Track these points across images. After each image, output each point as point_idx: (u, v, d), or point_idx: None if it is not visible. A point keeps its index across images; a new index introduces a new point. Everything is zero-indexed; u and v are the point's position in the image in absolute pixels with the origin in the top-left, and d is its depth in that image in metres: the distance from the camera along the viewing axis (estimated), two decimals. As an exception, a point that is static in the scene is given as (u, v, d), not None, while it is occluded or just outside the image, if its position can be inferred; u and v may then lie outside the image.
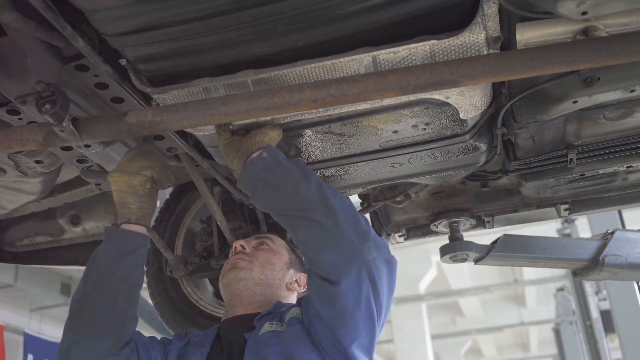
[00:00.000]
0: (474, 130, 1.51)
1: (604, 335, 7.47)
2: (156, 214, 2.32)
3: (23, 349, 7.09)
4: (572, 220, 7.87)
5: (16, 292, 7.19)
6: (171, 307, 2.22)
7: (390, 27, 1.18)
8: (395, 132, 1.48)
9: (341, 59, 1.22)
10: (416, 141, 1.53)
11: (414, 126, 1.46)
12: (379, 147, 1.55)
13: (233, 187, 1.86)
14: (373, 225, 2.07)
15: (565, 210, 2.03)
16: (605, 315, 7.27)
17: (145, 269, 1.54)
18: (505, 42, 1.22)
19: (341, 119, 1.43)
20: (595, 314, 7.58)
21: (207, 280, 2.30)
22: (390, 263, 1.37)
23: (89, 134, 1.28)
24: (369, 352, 1.36)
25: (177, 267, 2.09)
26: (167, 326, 2.24)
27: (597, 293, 7.73)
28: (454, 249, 2.06)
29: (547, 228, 8.44)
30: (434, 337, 11.70)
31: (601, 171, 1.80)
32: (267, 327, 1.43)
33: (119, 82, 1.31)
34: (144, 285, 2.31)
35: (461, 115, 1.41)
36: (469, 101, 1.37)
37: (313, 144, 1.52)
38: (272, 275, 1.61)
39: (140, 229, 1.51)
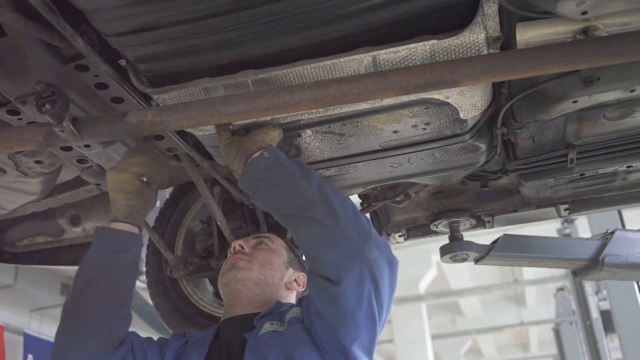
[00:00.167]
0: (474, 130, 1.51)
1: (604, 335, 7.47)
2: (156, 214, 2.32)
3: (23, 349, 7.08)
4: (572, 220, 7.87)
5: (16, 292, 7.18)
6: (171, 307, 2.22)
7: (390, 27, 1.18)
8: (395, 132, 1.48)
9: (341, 59, 1.22)
10: (416, 141, 1.53)
11: (414, 126, 1.46)
12: (379, 147, 1.55)
13: (233, 187, 1.86)
14: (373, 225, 2.07)
15: (565, 210, 2.03)
16: (605, 315, 7.27)
17: (139, 268, 1.51)
18: (505, 42, 1.22)
19: (341, 119, 1.43)
20: (595, 314, 7.58)
21: (207, 280, 2.30)
22: (392, 262, 1.37)
23: (89, 134, 1.28)
24: (369, 351, 1.36)
25: (177, 267, 2.09)
26: (167, 326, 2.24)
27: (597, 293, 7.73)
28: (454, 249, 2.06)
29: (547, 228, 8.45)
30: (434, 337, 11.71)
31: (601, 171, 1.80)
32: (267, 327, 1.43)
33: (119, 82, 1.31)
34: (144, 285, 2.32)
35: (461, 115, 1.41)
36: (469, 101, 1.37)
37: (313, 143, 1.52)
38: (272, 274, 1.61)
39: (129, 227, 1.48)
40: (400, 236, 2.22)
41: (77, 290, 1.43)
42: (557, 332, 10.03)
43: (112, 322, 1.42)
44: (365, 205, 2.05)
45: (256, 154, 1.39)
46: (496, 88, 1.45)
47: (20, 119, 1.49)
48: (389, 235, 2.22)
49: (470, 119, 1.45)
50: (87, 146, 1.57)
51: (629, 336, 5.63)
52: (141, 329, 4.71)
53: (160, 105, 1.33)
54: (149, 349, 1.49)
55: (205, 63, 1.27)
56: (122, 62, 1.25)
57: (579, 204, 2.04)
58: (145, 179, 1.51)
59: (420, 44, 1.18)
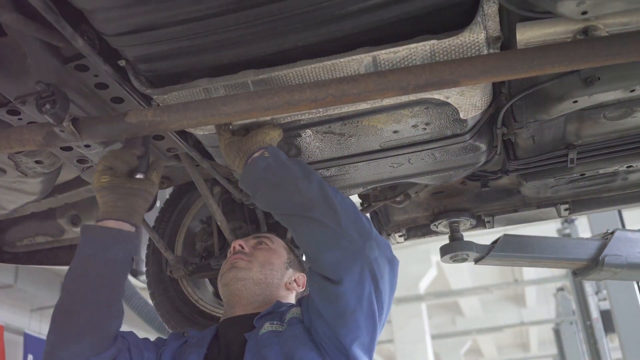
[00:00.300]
0: (474, 130, 1.51)
1: (604, 335, 7.48)
2: (156, 214, 2.32)
3: (23, 349, 7.09)
4: (572, 220, 7.88)
5: (16, 292, 7.18)
6: (171, 307, 2.21)
7: (390, 26, 1.18)
8: (395, 132, 1.48)
9: (341, 59, 1.21)
10: (416, 141, 1.53)
11: (414, 126, 1.46)
12: (379, 147, 1.55)
13: (233, 187, 1.86)
14: (373, 226, 2.07)
15: (566, 210, 2.03)
16: (605, 315, 7.28)
17: (128, 264, 1.47)
18: (506, 41, 1.22)
19: (341, 119, 1.43)
20: (595, 314, 7.59)
21: (207, 280, 2.30)
22: (392, 262, 1.37)
23: (89, 134, 1.28)
24: (369, 351, 1.36)
25: (177, 267, 2.09)
26: (167, 326, 2.24)
27: (597, 293, 7.74)
28: (454, 249, 2.06)
29: (547, 228, 8.45)
30: (434, 337, 11.71)
31: (601, 171, 1.80)
32: (267, 327, 1.43)
33: (119, 82, 1.31)
34: (145, 285, 2.32)
35: (461, 115, 1.41)
36: (469, 101, 1.37)
37: (313, 143, 1.52)
38: (272, 274, 1.61)
39: (112, 223, 1.43)
40: (400, 236, 2.22)
41: (64, 289, 1.42)
42: (557, 332, 10.04)
43: (100, 320, 1.39)
44: (365, 205, 2.05)
45: (256, 154, 1.39)
46: (496, 88, 1.45)
47: (20, 119, 1.49)
48: (389, 235, 2.22)
49: (471, 119, 1.45)
50: (87, 146, 1.57)
51: (629, 336, 5.63)
52: (141, 329, 4.71)
53: (160, 105, 1.33)
54: (145, 348, 1.47)
55: (205, 63, 1.27)
56: (122, 63, 1.25)
57: (579, 204, 2.04)
58: (111, 171, 1.46)
59: (421, 44, 1.18)
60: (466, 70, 1.11)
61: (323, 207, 1.33)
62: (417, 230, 2.21)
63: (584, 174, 1.81)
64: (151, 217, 2.26)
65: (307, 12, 1.14)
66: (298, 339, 1.36)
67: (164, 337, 1.60)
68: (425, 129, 1.47)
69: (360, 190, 1.90)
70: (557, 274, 10.63)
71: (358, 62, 1.22)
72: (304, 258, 1.77)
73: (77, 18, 1.16)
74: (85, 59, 1.30)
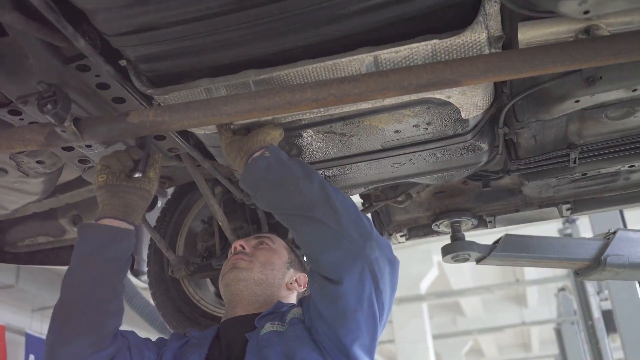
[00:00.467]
0: (475, 130, 1.51)
1: (606, 335, 7.48)
2: (158, 214, 2.32)
3: (25, 350, 7.10)
4: (574, 220, 7.87)
5: (17, 292, 7.18)
6: (173, 307, 2.21)
7: (391, 26, 1.18)
8: (396, 131, 1.48)
9: (342, 59, 1.21)
10: (418, 141, 1.53)
11: (416, 126, 1.46)
12: (380, 147, 1.55)
13: (234, 187, 1.86)
14: (374, 225, 2.07)
15: (567, 210, 2.03)
16: (607, 315, 7.28)
17: (127, 262, 1.48)
18: (507, 41, 1.22)
19: (342, 118, 1.42)
20: (596, 314, 7.59)
21: (208, 280, 2.30)
22: (393, 262, 1.37)
23: (90, 134, 1.28)
24: (370, 351, 1.36)
25: (179, 267, 2.09)
26: (168, 327, 2.24)
27: (598, 293, 7.74)
28: (456, 249, 2.05)
29: (548, 228, 8.44)
30: (435, 337, 11.70)
31: (603, 171, 1.80)
32: (268, 327, 1.43)
33: (121, 82, 1.31)
34: (146, 285, 2.32)
35: (463, 115, 1.41)
36: (470, 101, 1.36)
37: (314, 143, 1.52)
38: (273, 274, 1.61)
39: (109, 221, 1.45)
40: (401, 236, 2.22)
41: (63, 289, 1.43)
42: (558, 332, 10.03)
43: (98, 318, 1.39)
44: (366, 205, 2.05)
45: (257, 154, 1.39)
46: (498, 87, 1.45)
47: (21, 119, 1.49)
48: (391, 235, 2.22)
49: (472, 119, 1.45)
50: (88, 146, 1.57)
51: (631, 336, 5.63)
52: (142, 329, 4.71)
53: (162, 105, 1.33)
54: (146, 348, 1.47)
55: (206, 63, 1.27)
56: (123, 63, 1.25)
57: (581, 203, 2.04)
58: (108, 170, 1.49)
59: (422, 43, 1.18)
60: (468, 70, 1.11)
61: (324, 207, 1.33)
62: (419, 230, 2.21)
63: (586, 174, 1.80)
64: (152, 217, 2.26)
65: (308, 12, 1.14)
66: (299, 339, 1.36)
67: (166, 337, 1.60)
68: (426, 128, 1.47)
69: (362, 190, 1.90)
70: (558, 274, 10.62)
71: (359, 61, 1.22)
72: (305, 258, 1.77)
73: (79, 18, 1.17)
74: (87, 59, 1.30)
